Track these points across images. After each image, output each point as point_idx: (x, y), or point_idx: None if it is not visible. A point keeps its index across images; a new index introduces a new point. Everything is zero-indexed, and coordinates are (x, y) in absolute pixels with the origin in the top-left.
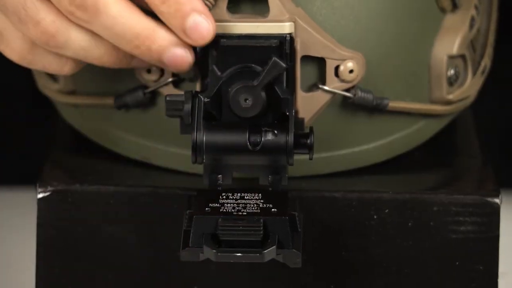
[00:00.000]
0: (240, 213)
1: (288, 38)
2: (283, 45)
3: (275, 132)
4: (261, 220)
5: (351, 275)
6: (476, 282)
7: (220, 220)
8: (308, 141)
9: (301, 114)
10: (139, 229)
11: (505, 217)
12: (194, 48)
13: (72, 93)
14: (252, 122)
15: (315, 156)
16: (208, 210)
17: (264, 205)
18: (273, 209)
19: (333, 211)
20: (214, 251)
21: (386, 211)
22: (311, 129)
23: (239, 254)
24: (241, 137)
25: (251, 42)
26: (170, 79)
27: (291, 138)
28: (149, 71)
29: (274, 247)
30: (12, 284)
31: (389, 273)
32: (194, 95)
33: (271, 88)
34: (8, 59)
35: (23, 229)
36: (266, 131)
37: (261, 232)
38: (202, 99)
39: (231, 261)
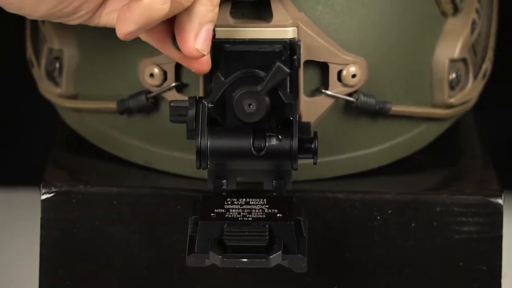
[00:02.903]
0: (246, 219)
1: (291, 42)
2: (287, 50)
3: (279, 137)
4: (267, 226)
5: (354, 275)
6: (479, 282)
7: (225, 225)
8: (312, 145)
9: (304, 119)
10: (142, 230)
11: (508, 219)
12: None
13: (74, 97)
14: (256, 127)
15: (318, 160)
16: (213, 215)
17: (269, 210)
18: (278, 214)
19: (336, 212)
20: (220, 256)
21: (389, 211)
22: (315, 133)
23: (245, 259)
24: (245, 142)
25: (255, 47)
26: (173, 84)
27: (295, 143)
28: (152, 75)
29: (279, 252)
30: (15, 285)
31: (392, 273)
32: (198, 101)
33: (275, 93)
34: (7, 60)
35: (27, 230)
36: (270, 136)
37: (267, 237)
38: (206, 104)
39: (237, 266)
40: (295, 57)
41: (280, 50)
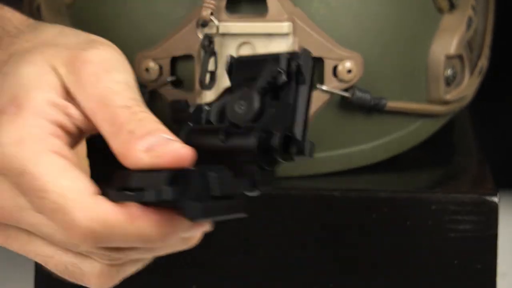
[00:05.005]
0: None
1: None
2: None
3: (240, 131)
4: (169, 172)
5: (350, 273)
6: (475, 280)
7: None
8: (272, 142)
9: None
10: None
11: (504, 217)
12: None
13: None
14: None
15: (313, 155)
16: None
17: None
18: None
19: (332, 210)
20: (110, 191)
21: (385, 210)
22: (278, 131)
23: (131, 193)
24: (213, 139)
25: (263, 58)
26: (169, 79)
27: (252, 137)
28: (147, 70)
29: (170, 188)
30: (11, 282)
31: (387, 271)
32: (198, 107)
33: (275, 99)
34: None
35: None
36: (235, 132)
37: (165, 180)
38: (203, 108)
39: (125, 200)
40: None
41: (286, 59)
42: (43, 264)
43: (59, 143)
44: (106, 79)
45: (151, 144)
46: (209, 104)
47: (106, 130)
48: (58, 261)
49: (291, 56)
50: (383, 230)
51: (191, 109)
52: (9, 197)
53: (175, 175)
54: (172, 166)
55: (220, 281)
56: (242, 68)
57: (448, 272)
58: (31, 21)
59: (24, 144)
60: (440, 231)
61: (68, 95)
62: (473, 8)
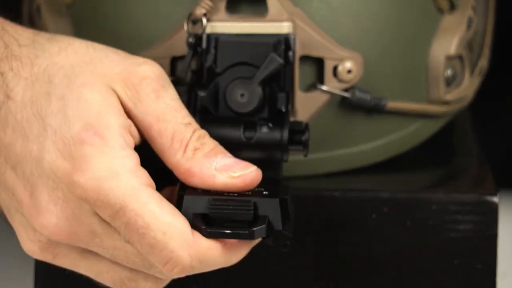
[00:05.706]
0: (231, 195)
1: (286, 37)
2: (281, 44)
3: (270, 125)
4: (252, 201)
5: (350, 274)
6: (475, 280)
7: (210, 199)
8: (303, 137)
9: (299, 114)
10: None
11: (504, 217)
12: (195, 51)
13: None
14: (248, 118)
15: (313, 156)
16: (199, 191)
17: (256, 188)
18: (264, 192)
19: (332, 210)
20: (204, 227)
21: (385, 210)
22: (306, 125)
23: (229, 231)
24: (236, 131)
25: (250, 40)
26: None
27: (285, 132)
28: None
29: (263, 226)
30: (11, 281)
31: (387, 271)
32: (190, 90)
33: (268, 86)
34: None
35: None
36: (261, 125)
37: (252, 212)
38: (198, 94)
39: (221, 238)
40: (290, 52)
41: (275, 44)
42: (93, 277)
43: (147, 174)
44: (164, 95)
45: (224, 164)
46: (203, 90)
47: (164, 145)
48: (114, 276)
49: (278, 40)
50: (383, 230)
51: (184, 94)
52: (86, 223)
53: (260, 206)
54: (246, 188)
55: (220, 281)
56: (227, 51)
57: (448, 271)
58: (31, 30)
59: (120, 178)
60: (440, 231)
61: (125, 111)
62: (473, 9)
